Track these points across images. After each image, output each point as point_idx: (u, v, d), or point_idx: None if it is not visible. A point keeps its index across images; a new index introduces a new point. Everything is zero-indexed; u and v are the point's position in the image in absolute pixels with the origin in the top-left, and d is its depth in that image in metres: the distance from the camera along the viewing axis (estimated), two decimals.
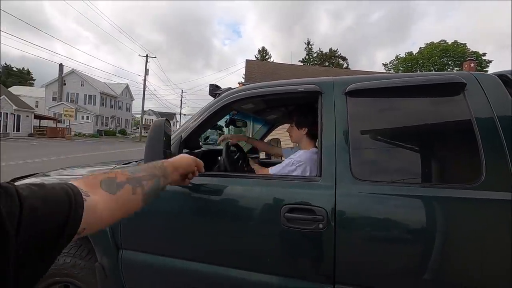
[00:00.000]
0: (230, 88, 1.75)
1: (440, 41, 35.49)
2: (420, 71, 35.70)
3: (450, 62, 34.66)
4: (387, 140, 1.46)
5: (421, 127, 1.38)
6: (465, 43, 33.97)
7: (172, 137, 1.49)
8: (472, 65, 15.39)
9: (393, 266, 1.20)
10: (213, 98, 1.73)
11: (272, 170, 1.70)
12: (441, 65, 34.57)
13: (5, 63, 56.07)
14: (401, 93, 1.37)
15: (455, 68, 33.34)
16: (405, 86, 1.33)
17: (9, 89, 33.11)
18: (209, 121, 1.63)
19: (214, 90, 1.82)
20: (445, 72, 1.38)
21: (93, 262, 1.58)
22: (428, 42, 36.47)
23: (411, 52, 38.39)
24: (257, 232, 1.36)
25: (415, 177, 1.36)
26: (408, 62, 37.48)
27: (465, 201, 1.13)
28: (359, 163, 1.31)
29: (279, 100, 1.99)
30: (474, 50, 32.31)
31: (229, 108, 1.67)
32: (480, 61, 30.09)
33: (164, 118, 1.38)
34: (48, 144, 20.18)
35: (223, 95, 1.63)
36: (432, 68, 34.76)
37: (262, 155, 3.14)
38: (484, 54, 31.89)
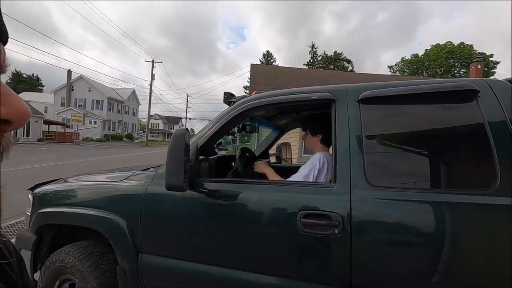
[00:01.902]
0: (244, 96, 1.80)
1: (446, 42, 35.24)
2: (426, 73, 35.45)
3: (456, 64, 34.37)
4: (400, 147, 1.48)
5: (435, 133, 1.41)
6: (471, 44, 33.69)
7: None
8: (479, 66, 15.22)
9: (408, 271, 1.22)
10: (228, 106, 1.78)
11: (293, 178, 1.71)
12: (447, 66, 34.29)
13: (15, 70, 57.27)
14: (414, 100, 1.40)
15: (462, 70, 33.03)
16: (418, 94, 1.36)
17: (19, 95, 33.69)
18: (225, 128, 1.68)
19: (229, 98, 1.87)
20: (458, 79, 1.40)
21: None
22: (434, 44, 36.27)
23: (417, 54, 38.19)
24: (274, 237, 1.40)
25: (429, 183, 1.39)
26: (413, 64, 37.26)
27: (481, 207, 1.15)
28: (373, 169, 1.34)
29: (293, 107, 2.03)
30: (481, 51, 31.97)
31: (244, 115, 1.71)
32: (487, 62, 29.76)
33: (185, 127, 1.44)
34: (57, 148, 20.51)
35: (238, 103, 1.68)
36: (438, 70, 34.51)
37: (272, 159, 3.18)
38: (491, 55, 31.53)
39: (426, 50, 37.15)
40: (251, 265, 1.43)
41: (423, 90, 1.35)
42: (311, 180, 1.66)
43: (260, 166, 1.97)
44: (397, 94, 1.38)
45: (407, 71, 37.21)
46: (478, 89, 1.25)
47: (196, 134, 1.72)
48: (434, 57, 35.01)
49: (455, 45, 34.33)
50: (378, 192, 1.28)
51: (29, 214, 1.96)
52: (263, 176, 2.11)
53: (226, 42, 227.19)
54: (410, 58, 38.46)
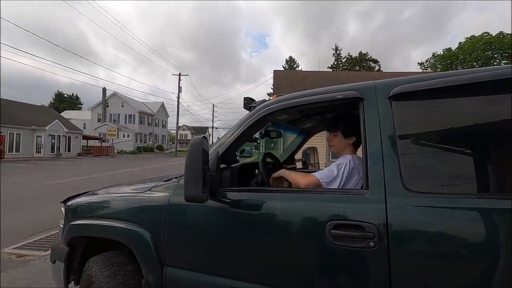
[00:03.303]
0: (264, 100, 1.73)
1: (483, 33, 32.79)
2: (461, 67, 33.18)
3: (496, 55, 31.79)
4: (442, 146, 1.31)
5: (481, 129, 1.22)
6: None
7: (209, 152, 1.49)
8: None
9: (453, 286, 1.05)
10: (248, 111, 1.72)
11: (319, 174, 1.57)
12: (485, 59, 31.80)
13: (58, 91, 62.58)
14: (454, 93, 1.23)
15: (503, 61, 30.47)
16: (458, 86, 1.20)
17: (61, 113, 36.71)
18: (246, 134, 1.61)
19: (249, 103, 1.81)
20: (505, 65, 1.22)
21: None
22: (469, 36, 33.94)
23: (450, 48, 35.92)
24: (300, 250, 1.29)
25: (475, 187, 1.20)
26: (446, 59, 35.07)
27: None
28: (410, 174, 1.19)
29: (317, 108, 1.92)
30: None
31: (265, 120, 1.64)
32: None
33: (202, 135, 1.40)
34: (95, 161, 21.87)
35: (258, 107, 1.61)
36: (475, 64, 32.11)
37: (298, 164, 3.07)
38: None
39: (460, 43, 34.87)
40: (278, 280, 1.33)
41: (464, 81, 1.19)
42: (337, 184, 1.52)
43: (277, 174, 1.78)
44: (433, 87, 1.23)
45: (439, 66, 35.11)
46: None
47: (217, 142, 1.68)
48: (469, 50, 32.68)
49: (493, 35, 31.85)
50: (417, 198, 1.13)
51: (62, 226, 2.03)
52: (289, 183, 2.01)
53: (249, 51, 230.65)
54: (442, 53, 36.28)
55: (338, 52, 44.23)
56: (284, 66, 43.80)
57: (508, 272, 1.00)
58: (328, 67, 42.77)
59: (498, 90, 1.17)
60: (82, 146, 31.73)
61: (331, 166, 1.59)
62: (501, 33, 31.41)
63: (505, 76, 1.13)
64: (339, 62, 43.89)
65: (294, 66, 43.70)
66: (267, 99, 1.82)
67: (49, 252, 3.69)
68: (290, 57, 45.90)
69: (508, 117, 1.18)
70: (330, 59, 45.24)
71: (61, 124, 27.60)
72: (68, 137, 28.60)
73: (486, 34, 32.35)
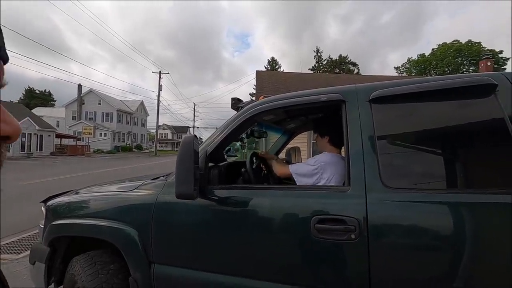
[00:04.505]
0: (252, 101, 1.78)
1: (453, 41, 34.77)
2: (434, 72, 34.95)
3: (465, 62, 33.79)
4: (416, 146, 1.43)
5: (451, 131, 1.35)
6: (479, 42, 33.16)
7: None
8: (488, 63, 14.88)
9: (429, 276, 1.16)
10: (235, 111, 1.77)
11: (292, 168, 1.78)
12: (455, 65, 33.75)
13: (29, 86, 59.12)
14: (428, 98, 1.35)
15: (471, 68, 32.43)
16: (432, 91, 1.32)
17: (32, 110, 34.75)
18: (233, 134, 1.66)
19: (237, 103, 1.86)
20: (474, 73, 1.35)
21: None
22: (441, 43, 35.84)
23: (424, 54, 37.76)
24: (287, 244, 1.36)
25: (447, 183, 1.33)
26: (420, 64, 36.83)
27: (503, 207, 1.09)
28: (388, 171, 1.29)
29: (301, 110, 2.00)
30: (490, 48, 31.42)
31: (253, 120, 1.69)
32: (497, 59, 29.17)
33: (193, 135, 1.43)
34: (69, 161, 20.91)
35: (246, 108, 1.66)
36: (446, 69, 33.97)
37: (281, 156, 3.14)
38: (501, 52, 30.93)
39: (433, 49, 36.76)
40: (265, 273, 1.39)
41: (437, 87, 1.31)
42: (311, 179, 1.65)
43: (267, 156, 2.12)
44: (409, 92, 1.34)
45: (414, 71, 36.79)
46: (496, 83, 1.20)
47: (205, 141, 1.71)
48: (441, 56, 34.57)
49: (463, 43, 33.84)
50: (395, 194, 1.23)
51: (43, 226, 1.97)
52: (275, 180, 2.09)
53: (231, 50, 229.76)
54: (416, 58, 38.04)
55: (319, 54, 45.14)
56: (266, 66, 44.06)
57: (474, 259, 1.12)
58: (309, 69, 43.52)
59: (466, 95, 1.30)
60: (55, 145, 30.20)
61: (308, 160, 1.75)
62: (469, 41, 33.48)
63: (472, 83, 1.25)
64: (320, 64, 44.77)
65: (276, 67, 44.06)
66: (251, 99, 1.88)
67: (22, 255, 3.55)
68: (272, 58, 46.28)
69: (473, 120, 1.31)
70: (312, 61, 46.12)
71: (32, 122, 26.13)
72: (40, 135, 27.15)
73: (456, 42, 34.34)
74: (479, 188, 1.23)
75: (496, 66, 25.64)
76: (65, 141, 33.74)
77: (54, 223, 1.87)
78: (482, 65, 15.17)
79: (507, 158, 1.18)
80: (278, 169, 1.99)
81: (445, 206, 1.18)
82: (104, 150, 36.44)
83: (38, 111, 41.72)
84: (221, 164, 1.79)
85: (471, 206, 1.15)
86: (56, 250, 1.92)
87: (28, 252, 2.12)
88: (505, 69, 29.34)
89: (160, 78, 35.84)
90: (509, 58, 30.53)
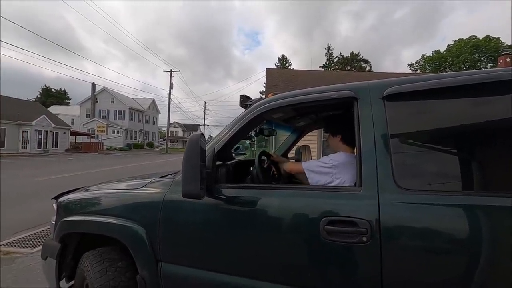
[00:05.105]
0: (261, 99, 1.74)
1: (470, 36, 33.67)
2: (450, 69, 33.96)
3: (482, 58, 32.67)
4: (431, 146, 1.36)
5: (469, 130, 1.28)
6: (498, 37, 31.94)
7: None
8: (508, 59, 14.29)
9: (443, 280, 1.10)
10: (244, 109, 1.74)
11: (305, 164, 1.72)
12: (472, 61, 32.68)
13: (45, 85, 60.87)
14: (445, 95, 1.28)
15: (489, 64, 31.33)
16: (449, 87, 1.25)
17: (48, 108, 35.79)
18: (241, 132, 1.63)
19: (245, 101, 1.83)
20: (495, 68, 1.27)
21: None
22: (457, 39, 34.75)
23: (439, 50, 36.73)
24: (296, 245, 1.32)
25: (463, 184, 1.26)
26: (435, 61, 35.84)
27: None
28: (402, 172, 1.23)
29: (311, 107, 1.95)
30: (509, 44, 30.23)
31: (261, 118, 1.66)
32: None
33: (200, 133, 1.41)
34: (83, 158, 21.42)
35: (254, 105, 1.62)
36: (462, 66, 32.93)
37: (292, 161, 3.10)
38: None
39: (448, 45, 35.70)
40: (272, 275, 1.35)
41: (454, 83, 1.24)
42: (328, 177, 1.59)
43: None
44: (424, 88, 1.28)
45: (428, 68, 35.86)
46: None
47: (213, 139, 1.69)
48: (457, 53, 33.53)
49: (480, 39, 32.70)
50: (408, 195, 1.18)
51: (54, 222, 2.00)
52: (285, 181, 2.06)
53: (242, 48, 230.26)
54: (431, 55, 37.04)
55: (330, 51, 44.57)
56: (276, 64, 43.86)
57: (490, 264, 1.06)
58: (320, 67, 43.07)
59: (485, 92, 1.23)
60: (70, 142, 31.04)
61: (323, 158, 1.69)
62: (487, 36, 32.30)
63: (492, 79, 1.18)
64: (331, 62, 44.22)
65: (287, 64, 43.80)
66: (260, 97, 1.85)
67: (36, 249, 3.64)
68: (283, 55, 46.13)
69: (492, 118, 1.24)
70: (323, 58, 45.57)
71: (48, 119, 26.90)
72: (56, 132, 27.93)
73: (474, 38, 33.22)
74: (497, 190, 1.16)
75: None
76: (79, 139, 34.65)
77: (65, 219, 1.89)
78: (501, 61, 14.61)
79: None
80: (290, 165, 1.99)
81: (460, 209, 1.12)
82: (117, 148, 37.20)
83: (53, 109, 43.00)
84: (229, 162, 1.77)
85: (487, 209, 1.09)
86: (67, 246, 1.95)
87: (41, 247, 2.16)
88: None
89: (171, 76, 36.21)
90: None
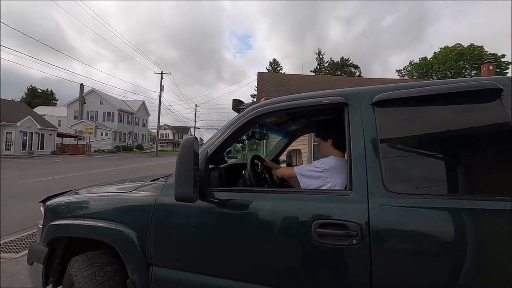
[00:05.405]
0: (253, 103, 1.76)
1: (455, 44, 34.77)
2: (436, 76, 34.95)
3: (467, 66, 33.76)
4: (419, 151, 1.41)
5: (455, 135, 1.33)
6: (482, 46, 33.12)
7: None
8: (491, 67, 14.87)
9: (431, 282, 1.14)
10: (237, 113, 1.75)
11: (297, 169, 1.75)
12: (457, 69, 33.72)
13: (31, 85, 59.33)
14: (432, 102, 1.33)
15: (473, 72, 32.39)
16: (435, 95, 1.30)
17: (34, 109, 34.86)
18: (234, 136, 1.64)
19: (238, 105, 1.84)
20: (479, 77, 1.33)
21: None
22: (443, 47, 35.84)
23: (425, 57, 37.77)
24: (288, 248, 1.34)
25: (450, 188, 1.31)
26: (422, 68, 36.81)
27: (506, 214, 1.07)
28: (390, 176, 1.27)
29: (303, 112, 1.98)
30: (492, 52, 31.35)
31: (253, 122, 1.68)
32: (499, 63, 29.13)
33: (193, 136, 1.41)
34: (70, 160, 20.94)
35: (246, 110, 1.64)
36: (448, 73, 33.94)
37: (282, 165, 3.12)
38: (503, 56, 30.89)
39: (434, 53, 36.76)
40: (264, 277, 1.36)
41: (441, 90, 1.29)
42: (319, 181, 1.62)
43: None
44: (412, 95, 1.33)
45: (416, 74, 36.79)
46: (501, 87, 1.19)
47: (206, 142, 1.69)
48: (443, 60, 34.56)
49: (465, 46, 33.81)
50: (397, 199, 1.21)
51: (41, 226, 1.96)
52: (277, 185, 2.08)
53: (233, 51, 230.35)
54: (418, 61, 38.04)
55: (321, 56, 45.18)
56: (268, 68, 44.09)
57: (475, 265, 1.10)
58: (311, 71, 43.52)
59: (470, 100, 1.28)
60: (56, 144, 30.29)
61: (314, 163, 1.73)
62: (471, 45, 33.44)
63: (476, 88, 1.24)
64: (322, 67, 44.79)
65: (278, 68, 44.08)
66: (252, 100, 1.87)
67: (21, 254, 3.54)
68: (274, 59, 46.25)
69: (478, 124, 1.29)
70: (313, 63, 46.13)
71: (34, 121, 26.20)
72: (42, 134, 27.22)
73: (458, 45, 34.32)
74: (482, 194, 1.21)
75: (498, 70, 25.59)
76: (66, 140, 33.86)
77: (52, 223, 1.85)
78: (484, 69, 15.16)
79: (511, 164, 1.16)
80: (282, 171, 2.04)
81: (446, 212, 1.17)
82: (105, 150, 36.52)
83: (40, 110, 41.88)
84: (221, 166, 1.78)
85: (472, 212, 1.13)
86: (55, 251, 1.90)
87: (27, 251, 2.11)
88: (507, 73, 29.29)
89: (161, 78, 35.93)
90: (511, 62, 30.51)
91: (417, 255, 1.16)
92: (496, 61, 28.07)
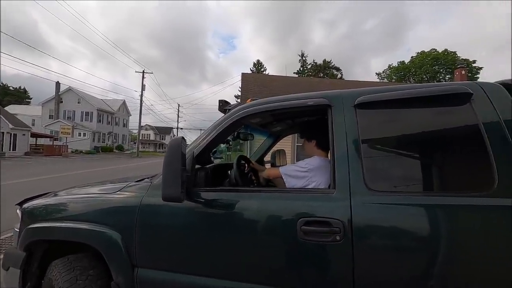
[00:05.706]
0: (239, 104, 1.78)
1: (431, 49, 36.40)
2: (413, 79, 36.41)
3: (441, 70, 35.43)
4: (398, 151, 1.49)
5: (431, 137, 1.42)
6: (455, 51, 34.90)
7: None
8: (463, 72, 15.67)
9: (410, 276, 1.21)
10: (223, 114, 1.77)
11: (282, 169, 1.80)
12: (432, 73, 35.33)
13: (2, 83, 56.13)
14: (409, 104, 1.41)
15: (447, 76, 34.03)
16: (412, 98, 1.38)
17: (5, 108, 33.05)
18: (221, 136, 1.66)
19: (224, 105, 1.86)
20: (452, 82, 1.43)
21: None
22: (419, 51, 37.40)
23: (403, 61, 39.27)
24: (274, 246, 1.37)
25: (424, 186, 1.41)
26: (400, 71, 38.25)
27: (481, 209, 1.16)
28: (371, 174, 1.33)
29: (288, 113, 2.03)
30: (464, 58, 33.10)
31: (239, 123, 1.70)
32: (470, 68, 30.77)
33: (181, 136, 1.41)
34: (45, 161, 20.01)
35: (233, 111, 1.66)
36: (424, 76, 35.47)
37: (267, 166, 3.16)
38: (474, 61, 32.71)
39: (412, 57, 38.29)
40: (252, 276, 1.39)
41: (417, 94, 1.37)
42: (304, 181, 1.67)
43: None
44: (392, 98, 1.40)
45: (394, 78, 38.14)
46: (471, 92, 1.28)
47: (192, 143, 1.69)
48: (419, 64, 36.08)
49: (439, 52, 35.48)
50: (378, 196, 1.28)
51: (18, 230, 1.88)
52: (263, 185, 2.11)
53: (217, 51, 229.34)
54: (397, 65, 39.49)
55: (304, 58, 45.81)
56: (251, 69, 44.16)
57: (450, 258, 1.17)
58: (294, 73, 44.03)
59: (444, 103, 1.37)
60: (30, 144, 28.84)
61: (299, 163, 1.78)
62: (446, 50, 35.13)
63: (450, 92, 1.32)
64: (305, 68, 45.43)
65: (262, 69, 44.27)
66: (236, 101, 1.89)
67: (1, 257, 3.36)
68: (258, 60, 46.56)
69: (450, 126, 1.39)
70: (297, 65, 46.64)
71: (5, 120, 24.84)
72: (14, 134, 25.83)
73: (434, 51, 35.94)
74: (454, 191, 1.30)
75: (469, 74, 26.99)
76: (41, 141, 32.31)
77: (30, 226, 1.79)
78: (457, 73, 15.95)
79: (481, 163, 1.25)
80: (268, 171, 2.08)
81: (423, 208, 1.24)
82: (83, 151, 35.16)
83: (11, 108, 39.75)
84: (207, 166, 1.78)
85: (445, 208, 1.21)
86: (32, 255, 1.83)
87: (1, 257, 2.01)
88: (478, 77, 31.01)
89: (143, 77, 35.12)
90: (481, 67, 32.36)
91: (397, 251, 1.23)
92: (468, 66, 29.62)
